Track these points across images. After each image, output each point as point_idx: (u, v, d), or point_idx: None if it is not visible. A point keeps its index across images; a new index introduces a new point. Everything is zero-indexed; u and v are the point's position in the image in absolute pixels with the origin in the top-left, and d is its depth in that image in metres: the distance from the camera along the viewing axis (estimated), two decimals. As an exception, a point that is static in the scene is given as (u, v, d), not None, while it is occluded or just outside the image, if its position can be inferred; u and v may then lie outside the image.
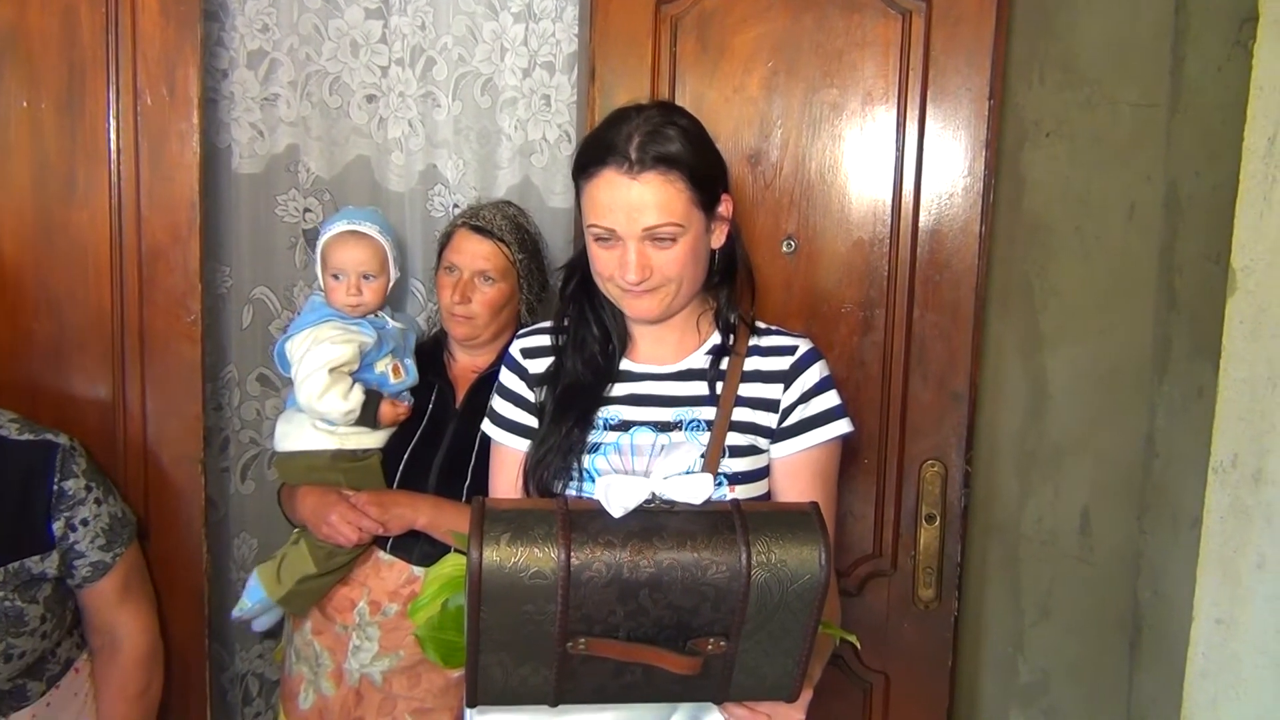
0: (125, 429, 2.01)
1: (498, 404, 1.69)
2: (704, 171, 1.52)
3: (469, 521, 1.22)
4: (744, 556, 1.18)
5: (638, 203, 1.47)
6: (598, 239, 1.52)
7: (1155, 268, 2.32)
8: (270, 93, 2.42)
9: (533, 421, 1.64)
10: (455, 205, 2.50)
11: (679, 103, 1.99)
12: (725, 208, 1.58)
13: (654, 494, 1.23)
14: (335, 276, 2.07)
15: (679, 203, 1.49)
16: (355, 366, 2.04)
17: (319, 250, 2.11)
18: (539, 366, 1.66)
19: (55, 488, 1.76)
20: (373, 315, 2.11)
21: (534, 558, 1.16)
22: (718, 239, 1.59)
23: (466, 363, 2.18)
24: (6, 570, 1.70)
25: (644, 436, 1.57)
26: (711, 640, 1.20)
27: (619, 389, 1.61)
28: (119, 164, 1.95)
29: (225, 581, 2.51)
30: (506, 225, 2.14)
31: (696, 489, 1.25)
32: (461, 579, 1.40)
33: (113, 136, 1.94)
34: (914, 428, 2.01)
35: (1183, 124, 2.25)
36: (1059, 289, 2.36)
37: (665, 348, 1.63)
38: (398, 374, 2.11)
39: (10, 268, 1.95)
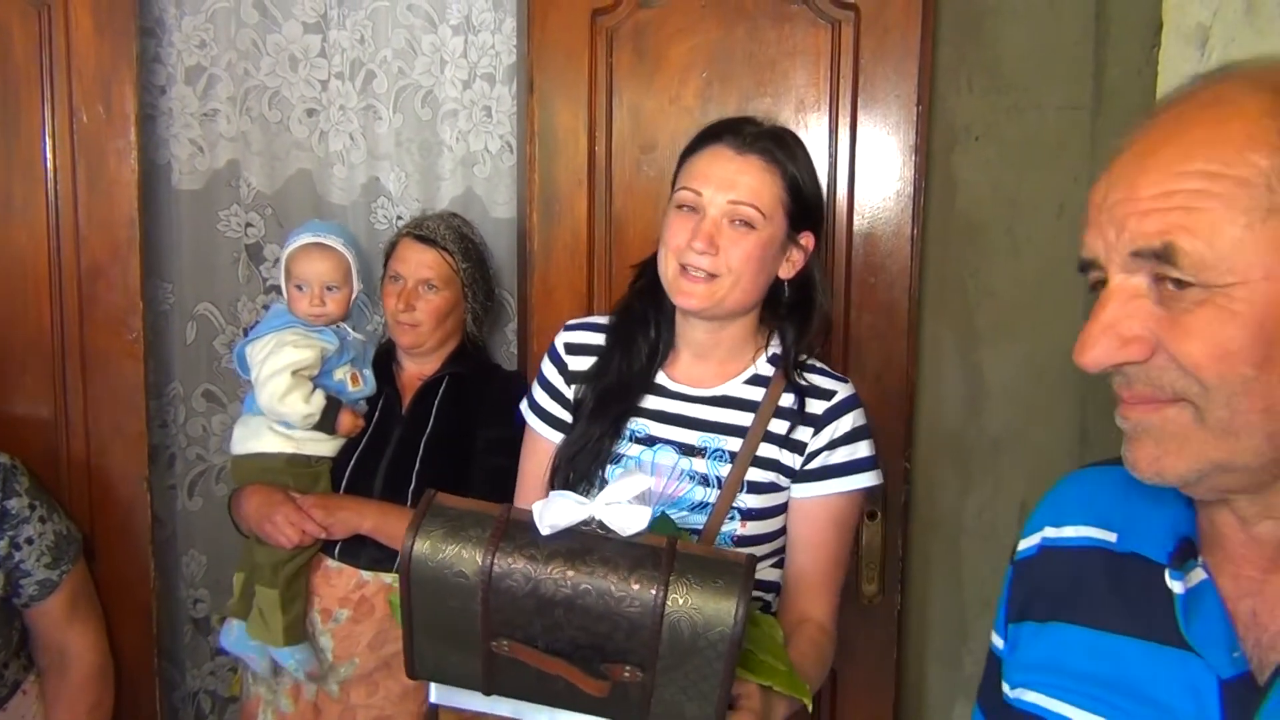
0: (68, 448, 2.01)
1: (536, 392, 1.69)
2: (803, 187, 1.55)
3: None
4: (658, 596, 1.19)
5: (734, 176, 1.49)
6: (680, 205, 1.53)
7: (1084, 265, 2.38)
8: (209, 108, 2.42)
9: (565, 415, 1.64)
10: (399, 217, 2.52)
11: (617, 112, 2.03)
12: (807, 241, 1.58)
13: (593, 517, 1.25)
14: (299, 287, 2.09)
15: (769, 194, 1.51)
16: (316, 371, 2.06)
17: (283, 261, 2.13)
18: (580, 364, 1.65)
19: (-2, 508, 1.76)
20: (335, 326, 2.13)
21: (459, 558, 1.18)
22: (788, 268, 1.57)
23: (413, 370, 2.20)
24: (-51, 592, 1.69)
25: (666, 456, 1.57)
26: (628, 669, 1.21)
27: (652, 402, 1.60)
28: (56, 182, 1.95)
29: (174, 599, 2.50)
30: (450, 235, 2.17)
31: (631, 520, 1.24)
32: None
33: (49, 154, 1.94)
34: (853, 427, 2.05)
35: (1106, 126, 2.32)
36: (992, 288, 2.42)
37: (707, 369, 1.61)
38: (356, 382, 2.14)
39: (-53, 288, 1.94)
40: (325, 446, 2.11)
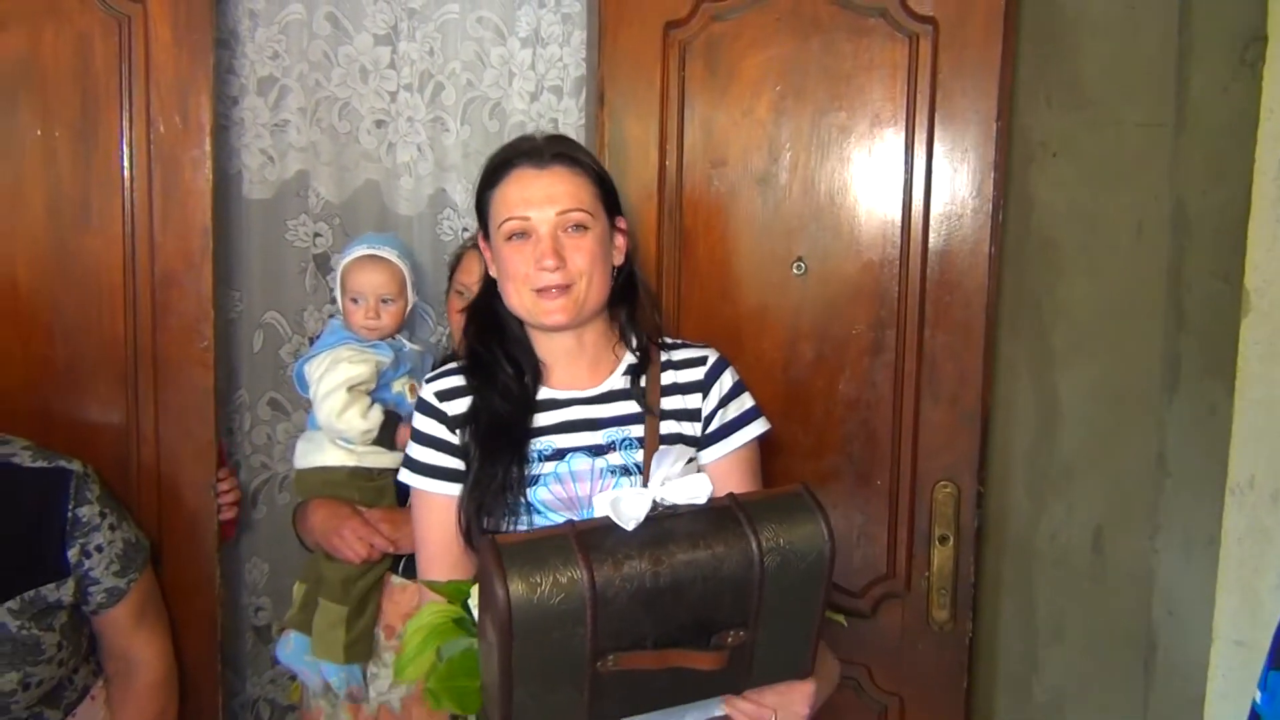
0: (138, 455, 2.01)
1: (417, 451, 1.62)
2: (605, 178, 1.64)
3: (481, 564, 1.22)
4: (755, 545, 1.21)
5: (550, 190, 1.55)
6: (510, 236, 1.56)
7: (1163, 286, 2.32)
8: (280, 119, 2.44)
9: (458, 465, 1.60)
10: (464, 229, 2.51)
11: (688, 126, 2.01)
12: (623, 224, 1.65)
13: (655, 500, 1.24)
14: (354, 300, 2.09)
15: (587, 194, 1.57)
16: (373, 385, 2.06)
17: (338, 274, 2.13)
18: (457, 408, 1.61)
19: (70, 514, 1.76)
20: (390, 338, 2.13)
21: (558, 585, 1.16)
22: (618, 256, 1.64)
23: (479, 385, 2.18)
24: (23, 599, 1.70)
25: (581, 462, 1.57)
26: (731, 632, 1.22)
27: (545, 418, 1.61)
28: (132, 191, 1.96)
29: (237, 606, 2.51)
30: None
31: (697, 489, 1.27)
32: (449, 625, 1.39)
33: (126, 164, 1.95)
34: (926, 448, 2.01)
35: (1189, 143, 2.26)
36: (1068, 308, 2.36)
37: (581, 371, 1.64)
38: (414, 394, 2.12)
39: (25, 294, 1.96)
40: (387, 459, 2.10)
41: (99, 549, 1.79)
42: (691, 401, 1.64)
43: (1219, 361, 2.14)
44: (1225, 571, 1.63)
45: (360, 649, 2.02)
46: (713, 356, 1.68)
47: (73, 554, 1.77)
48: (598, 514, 1.28)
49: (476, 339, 1.66)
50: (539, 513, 1.55)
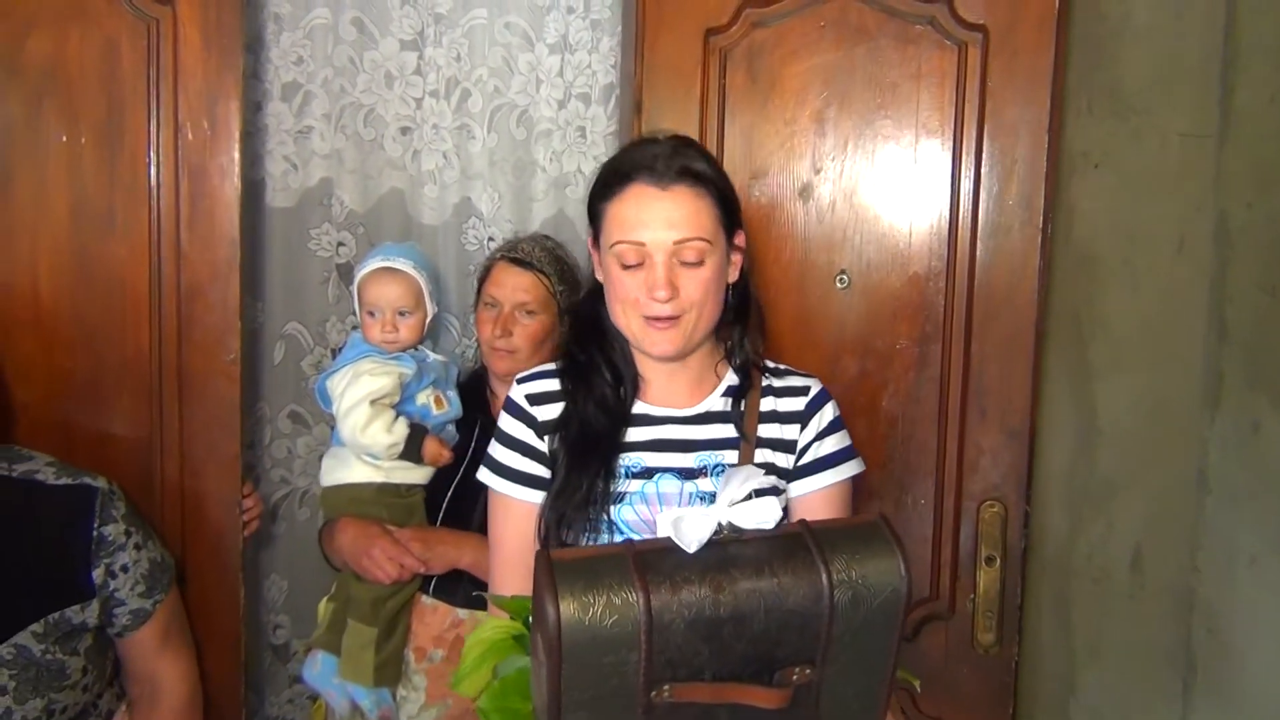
0: (162, 470, 1.96)
1: (500, 454, 1.58)
2: (728, 193, 1.53)
3: (535, 579, 1.17)
4: (824, 577, 1.14)
5: (669, 215, 1.45)
6: (622, 260, 1.47)
7: (1205, 300, 2.28)
8: (304, 125, 2.39)
9: (543, 472, 1.55)
10: (490, 238, 2.47)
11: (728, 135, 1.96)
12: (741, 240, 1.56)
13: (721, 523, 1.18)
14: (371, 313, 2.05)
15: (708, 218, 1.48)
16: (397, 398, 2.01)
17: (354, 288, 2.08)
18: (548, 413, 1.57)
19: (95, 534, 1.71)
20: (413, 349, 2.08)
21: (612, 606, 1.11)
22: (733, 274, 1.56)
23: (508, 399, 2.13)
24: (47, 622, 1.64)
25: (669, 484, 1.52)
26: (797, 669, 1.16)
27: (637, 434, 1.55)
28: (159, 199, 1.91)
29: (256, 625, 2.45)
30: (545, 257, 2.11)
31: (766, 513, 1.21)
32: (508, 642, 1.35)
33: (153, 171, 1.90)
34: (971, 466, 1.96)
35: (1233, 154, 2.21)
36: (1107, 321, 2.31)
37: (680, 389, 1.58)
38: (440, 405, 2.08)
39: (47, 304, 1.91)
40: (416, 474, 2.06)
41: (124, 569, 1.74)
42: (789, 432, 1.57)
43: (1263, 377, 2.09)
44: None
45: (390, 671, 1.96)
46: (816, 387, 1.62)
47: (98, 574, 1.71)
48: (659, 534, 1.23)
49: (578, 344, 1.60)
50: (620, 531, 1.50)
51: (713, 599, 1.13)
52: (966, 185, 1.92)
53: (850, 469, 1.59)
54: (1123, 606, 2.38)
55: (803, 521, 1.23)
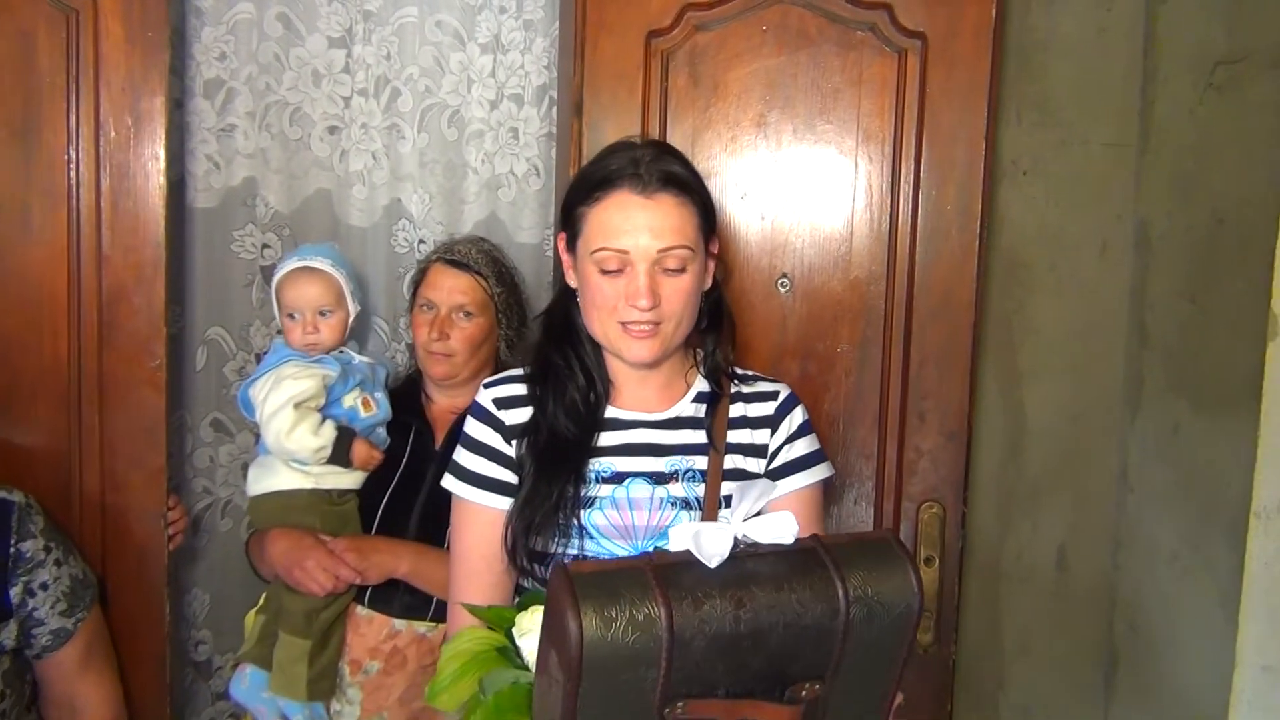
0: (82, 483, 1.87)
1: (467, 459, 1.54)
2: (708, 200, 1.52)
3: (551, 591, 1.13)
4: (841, 593, 1.14)
5: (653, 223, 1.43)
6: (603, 266, 1.45)
7: (1127, 305, 2.35)
8: (227, 123, 2.31)
9: (510, 477, 1.52)
10: (420, 241, 2.41)
11: (671, 139, 1.94)
12: (716, 247, 1.56)
13: (737, 537, 1.17)
14: (291, 316, 1.99)
15: (691, 226, 1.47)
16: (322, 401, 1.96)
17: (273, 291, 2.03)
18: (516, 418, 1.54)
19: (12, 550, 1.62)
20: (338, 351, 2.03)
21: (634, 623, 1.08)
22: (707, 280, 1.55)
23: (445, 403, 2.09)
24: (-38, 645, 1.55)
25: (640, 489, 1.50)
26: (807, 685, 1.15)
27: (608, 438, 1.53)
28: (78, 198, 1.81)
29: (176, 641, 2.34)
30: (483, 259, 2.08)
31: (783, 528, 1.19)
32: (490, 654, 1.31)
33: (72, 170, 1.81)
34: (911, 468, 1.98)
35: (1153, 164, 2.29)
36: (1036, 326, 2.37)
37: (650, 394, 1.57)
38: (368, 407, 2.03)
39: (-44, 311, 1.81)
40: (347, 479, 2.00)
41: (44, 587, 1.66)
42: (759, 437, 1.57)
43: (1182, 380, 2.17)
44: (1250, 597, 1.63)
45: (324, 685, 1.90)
46: (785, 392, 1.61)
47: (15, 593, 1.63)
48: (673, 547, 1.20)
49: (555, 348, 1.57)
50: (591, 537, 1.47)
51: (734, 615, 1.12)
52: (906, 190, 1.93)
53: (821, 471, 1.59)
54: (1049, 605, 2.45)
55: (815, 537, 1.22)
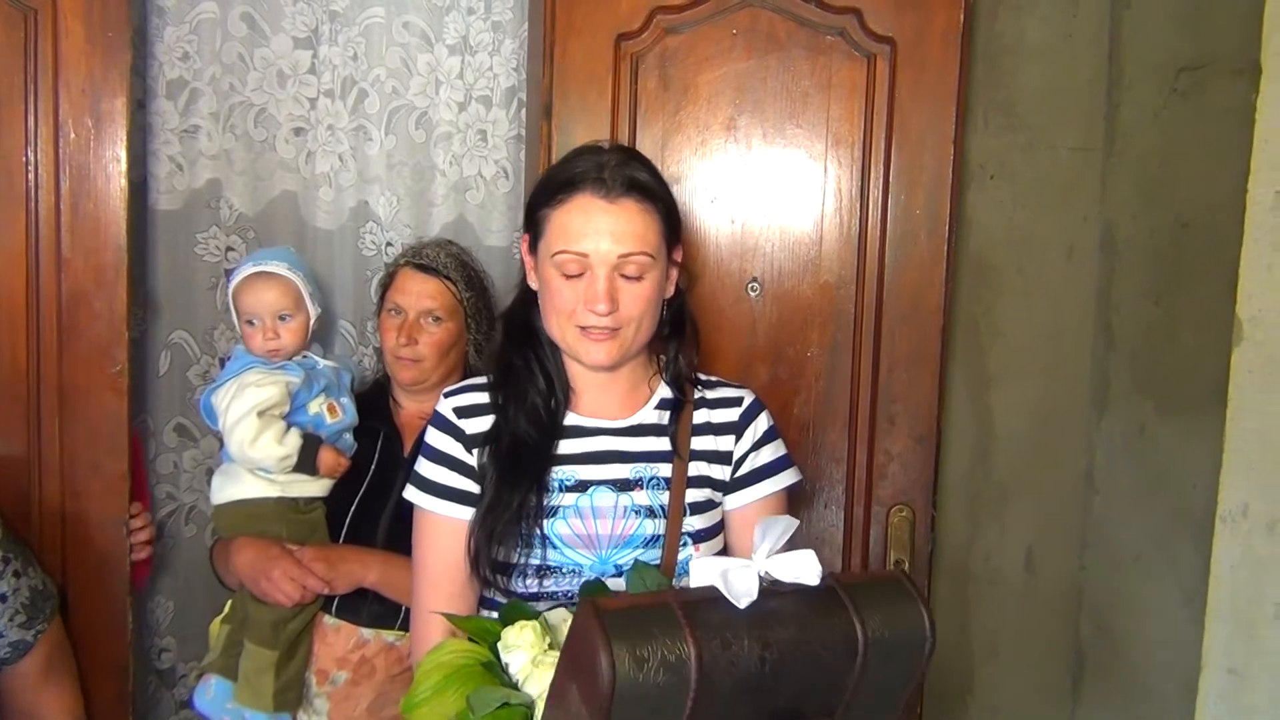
0: (41, 491, 1.83)
1: (428, 469, 1.52)
2: (672, 207, 1.51)
3: (578, 626, 1.12)
4: (860, 634, 1.14)
5: (615, 228, 1.42)
6: (563, 269, 1.44)
7: (1094, 307, 2.37)
8: (190, 124, 2.28)
9: (472, 487, 1.49)
10: (388, 244, 2.39)
11: (641, 142, 1.94)
12: (679, 255, 1.54)
13: (760, 574, 1.17)
14: (250, 322, 1.96)
15: (653, 233, 1.45)
16: (286, 408, 1.93)
17: (230, 298, 2.00)
18: (477, 426, 1.51)
19: (-31, 561, 1.59)
20: (301, 356, 2.00)
21: (666, 663, 1.07)
22: (669, 288, 1.54)
23: (413, 408, 2.07)
24: (-82, 658, 1.52)
25: (604, 497, 1.49)
26: None
27: (570, 446, 1.52)
28: (37, 201, 1.78)
29: (140, 649, 2.31)
30: (452, 263, 2.06)
31: (801, 568, 1.18)
32: (475, 669, 1.28)
33: (30, 172, 1.77)
34: (881, 472, 1.99)
35: (1118, 168, 2.31)
36: (1003, 329, 2.39)
37: (612, 401, 1.55)
38: (334, 413, 2.00)
39: (-89, 316, 1.77)
40: (313, 487, 1.97)
41: (2, 598, 1.62)
42: (724, 444, 1.56)
43: (1148, 381, 2.19)
44: (1217, 600, 1.65)
45: (291, 696, 1.87)
46: (749, 398, 1.60)
47: (-27, 605, 1.59)
48: (694, 582, 1.19)
49: (515, 350, 1.55)
50: (554, 547, 1.46)
51: (760, 656, 1.12)
52: (875, 195, 1.94)
53: (787, 478, 1.58)
54: (1017, 606, 2.46)
55: (831, 574, 1.21)
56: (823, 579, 1.19)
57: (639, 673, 1.06)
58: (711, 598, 1.15)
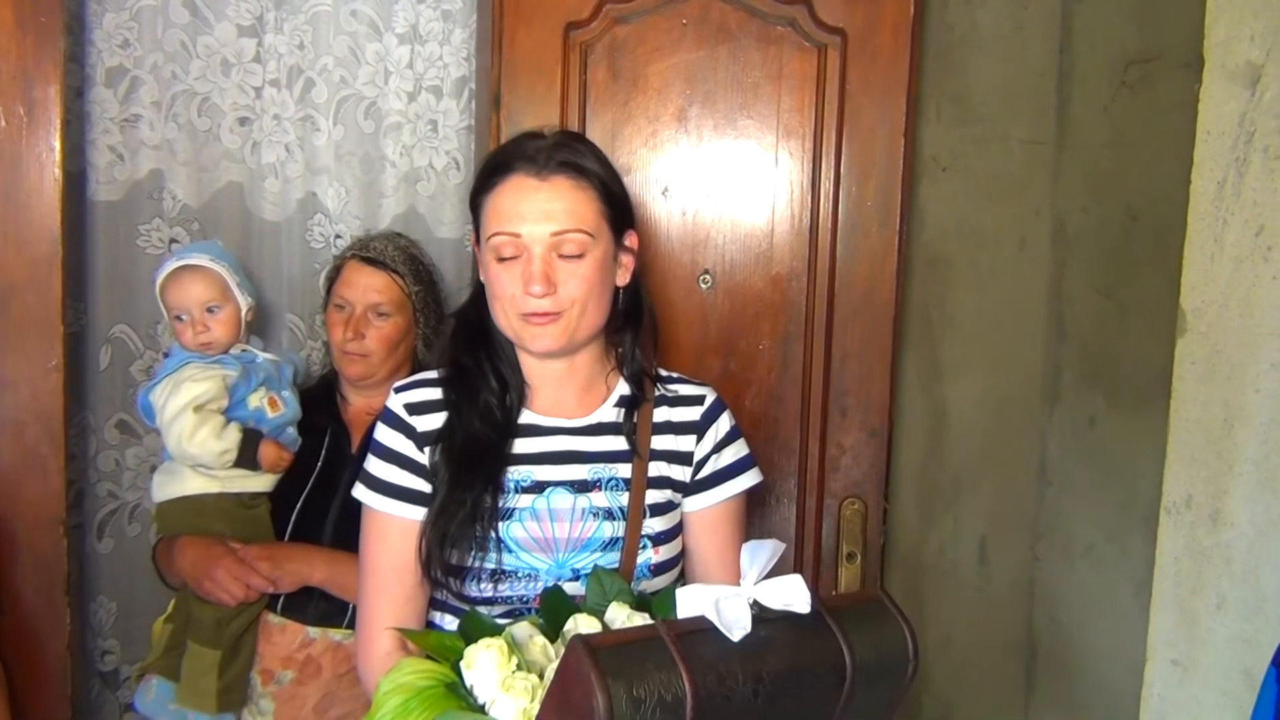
0: (-27, 490, 1.78)
1: (377, 467, 1.47)
2: (614, 188, 1.47)
3: (569, 664, 1.08)
4: (849, 662, 1.14)
5: (546, 206, 1.40)
6: (499, 253, 1.41)
7: (1045, 300, 2.38)
8: (131, 113, 2.22)
9: (423, 486, 1.45)
10: (337, 236, 2.35)
11: (591, 133, 1.92)
12: (632, 241, 1.51)
13: (748, 601, 1.15)
14: (179, 318, 1.92)
15: (589, 211, 1.42)
16: (224, 403, 1.90)
17: (157, 296, 1.95)
18: (429, 424, 1.47)
19: (-104, 562, 1.54)
20: (239, 349, 1.96)
21: (663, 703, 1.05)
22: (623, 276, 1.50)
23: (361, 404, 2.03)
24: None
25: (561, 499, 1.45)
26: None
27: (526, 445, 1.48)
28: (-34, 193, 1.73)
29: (81, 651, 2.26)
30: (399, 256, 2.03)
31: (789, 594, 1.16)
32: (439, 690, 1.23)
33: (-41, 162, 1.72)
34: (833, 465, 1.98)
35: (1069, 161, 2.31)
36: (956, 321, 2.39)
37: (569, 398, 1.52)
38: (275, 406, 1.96)
39: None
40: (256, 482, 1.94)
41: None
42: (684, 444, 1.52)
43: (1098, 373, 2.20)
44: (1161, 591, 1.65)
45: (235, 697, 1.84)
46: (711, 396, 1.56)
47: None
48: (683, 612, 1.16)
49: (463, 347, 1.51)
50: (509, 550, 1.42)
51: (753, 688, 1.11)
52: (827, 186, 1.93)
53: (749, 479, 1.56)
54: (971, 598, 2.47)
55: (816, 598, 1.19)
56: (815, 603, 1.18)
57: (635, 714, 1.04)
58: (701, 628, 1.13)
